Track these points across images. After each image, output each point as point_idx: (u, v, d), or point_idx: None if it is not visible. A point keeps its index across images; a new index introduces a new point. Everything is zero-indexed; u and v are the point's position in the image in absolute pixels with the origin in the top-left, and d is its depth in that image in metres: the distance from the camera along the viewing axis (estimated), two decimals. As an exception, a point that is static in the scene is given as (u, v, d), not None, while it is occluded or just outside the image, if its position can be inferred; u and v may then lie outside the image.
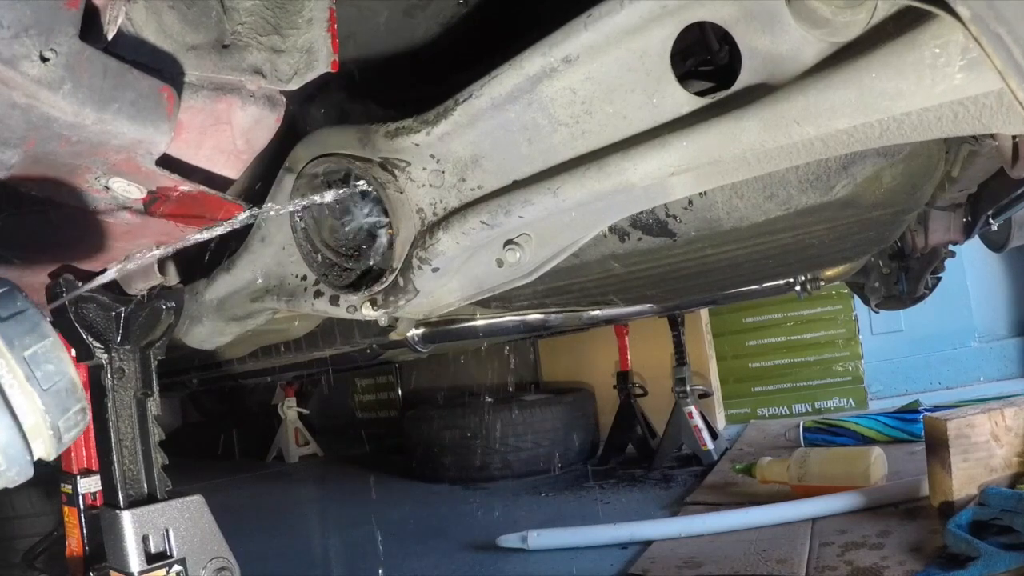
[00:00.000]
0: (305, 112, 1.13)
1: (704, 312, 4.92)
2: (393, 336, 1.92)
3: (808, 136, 0.71)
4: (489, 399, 4.81)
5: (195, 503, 0.94)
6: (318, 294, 1.11)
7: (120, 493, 0.94)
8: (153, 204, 0.81)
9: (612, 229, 1.16)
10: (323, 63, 0.84)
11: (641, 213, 1.13)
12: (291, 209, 1.00)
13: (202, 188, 0.80)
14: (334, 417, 6.67)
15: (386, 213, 0.96)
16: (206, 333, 1.31)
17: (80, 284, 0.93)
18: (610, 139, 0.83)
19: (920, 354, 5.32)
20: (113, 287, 1.01)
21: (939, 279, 3.00)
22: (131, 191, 0.78)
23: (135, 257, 0.85)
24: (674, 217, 1.13)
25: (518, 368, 5.53)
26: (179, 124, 0.74)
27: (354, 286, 1.03)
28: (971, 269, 5.19)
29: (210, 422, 6.76)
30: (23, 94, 0.61)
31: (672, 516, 3.01)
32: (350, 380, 6.56)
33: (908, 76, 0.61)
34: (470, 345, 3.36)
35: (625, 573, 2.46)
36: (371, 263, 1.06)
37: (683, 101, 0.78)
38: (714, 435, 4.08)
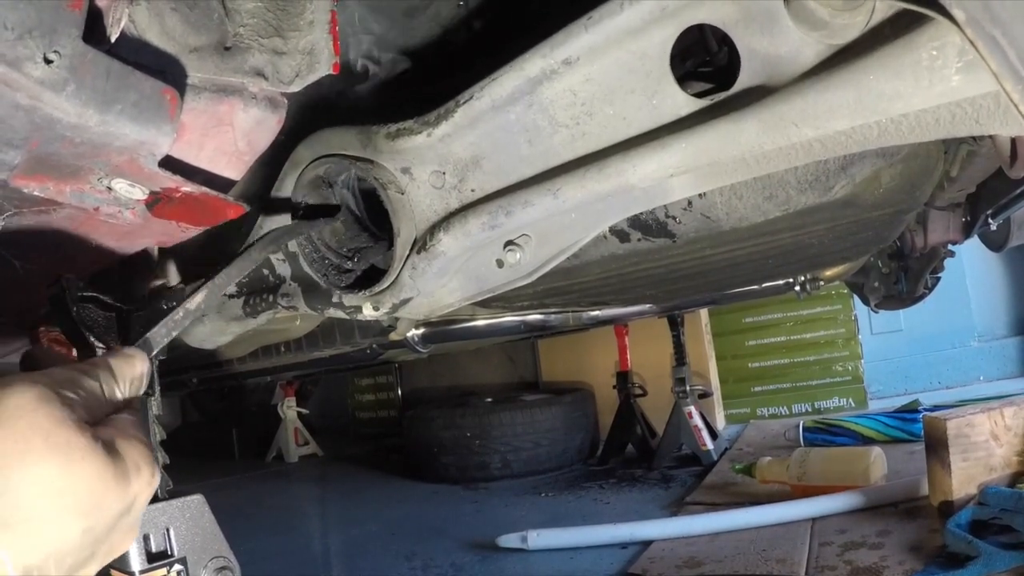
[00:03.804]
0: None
1: (704, 312, 4.92)
2: (393, 336, 1.92)
3: (807, 137, 0.71)
4: (489, 399, 4.81)
5: (196, 502, 0.94)
6: (319, 294, 1.11)
7: (121, 492, 0.94)
8: (155, 205, 0.81)
9: (612, 230, 1.17)
10: (324, 65, 0.84)
11: (641, 214, 1.13)
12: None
13: (204, 189, 0.81)
14: (334, 417, 6.68)
15: (387, 214, 0.96)
16: (207, 333, 1.32)
17: (81, 284, 0.93)
18: (610, 140, 0.83)
19: (920, 354, 5.33)
20: (114, 287, 1.01)
21: (938, 279, 3.00)
22: (133, 192, 0.78)
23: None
24: (674, 218, 1.13)
25: (518, 368, 5.54)
26: (181, 126, 0.74)
27: (355, 287, 1.04)
28: (970, 269, 5.19)
29: (210, 422, 6.76)
30: (27, 95, 0.61)
31: (672, 516, 3.01)
32: (350, 380, 6.56)
33: (906, 78, 0.62)
34: (470, 345, 3.36)
35: (625, 573, 2.47)
36: (372, 264, 1.07)
37: (682, 103, 0.79)
38: (714, 435, 4.08)
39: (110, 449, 0.52)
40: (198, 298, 0.78)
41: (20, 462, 0.48)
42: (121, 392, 0.61)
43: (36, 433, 0.49)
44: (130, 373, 0.63)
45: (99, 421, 0.56)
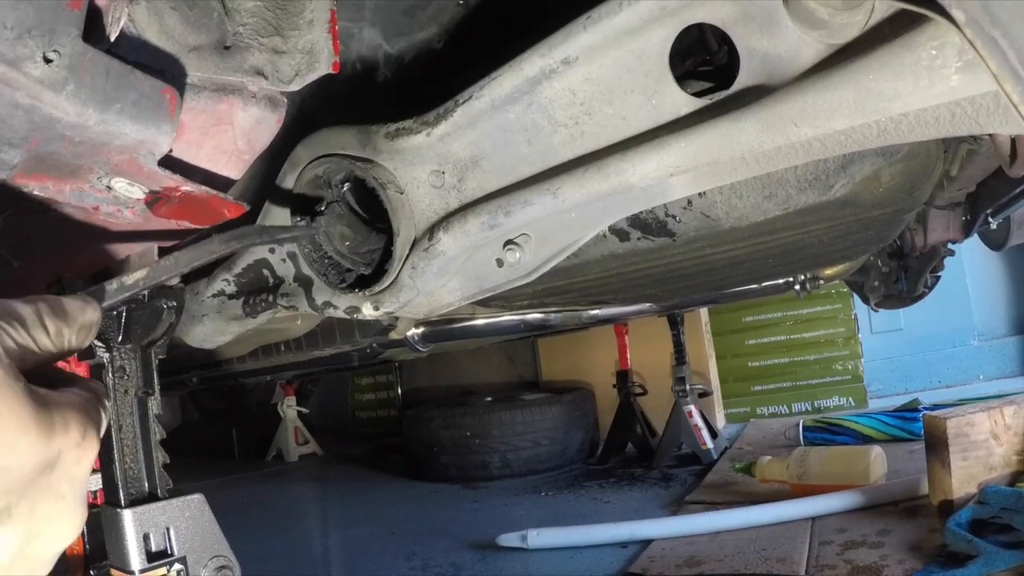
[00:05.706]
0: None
1: (704, 311, 4.92)
2: (393, 335, 1.93)
3: (806, 137, 0.71)
4: (489, 398, 4.82)
5: (196, 502, 0.94)
6: (319, 294, 1.11)
7: (121, 491, 0.94)
8: (155, 204, 0.81)
9: (611, 229, 1.17)
10: (324, 64, 0.84)
11: (641, 213, 1.13)
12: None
13: (204, 188, 0.81)
14: (334, 416, 6.68)
15: (387, 213, 0.96)
16: (206, 332, 1.32)
17: (81, 283, 0.94)
18: (609, 140, 0.83)
19: (919, 353, 5.33)
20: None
21: (938, 278, 3.00)
22: (133, 191, 0.78)
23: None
24: (673, 217, 1.13)
25: (518, 367, 5.54)
26: (181, 125, 0.74)
27: (354, 286, 1.04)
28: (970, 268, 5.20)
29: (210, 421, 6.76)
30: (26, 95, 0.62)
31: (672, 515, 3.02)
32: (350, 379, 6.57)
33: (905, 77, 0.62)
34: (470, 344, 3.36)
35: (625, 572, 2.47)
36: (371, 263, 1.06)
37: (682, 102, 0.79)
38: (714, 434, 4.08)
39: (37, 398, 0.48)
40: (136, 275, 0.77)
41: None
42: (68, 336, 0.57)
43: None
44: (81, 318, 0.59)
45: (44, 375, 0.52)
